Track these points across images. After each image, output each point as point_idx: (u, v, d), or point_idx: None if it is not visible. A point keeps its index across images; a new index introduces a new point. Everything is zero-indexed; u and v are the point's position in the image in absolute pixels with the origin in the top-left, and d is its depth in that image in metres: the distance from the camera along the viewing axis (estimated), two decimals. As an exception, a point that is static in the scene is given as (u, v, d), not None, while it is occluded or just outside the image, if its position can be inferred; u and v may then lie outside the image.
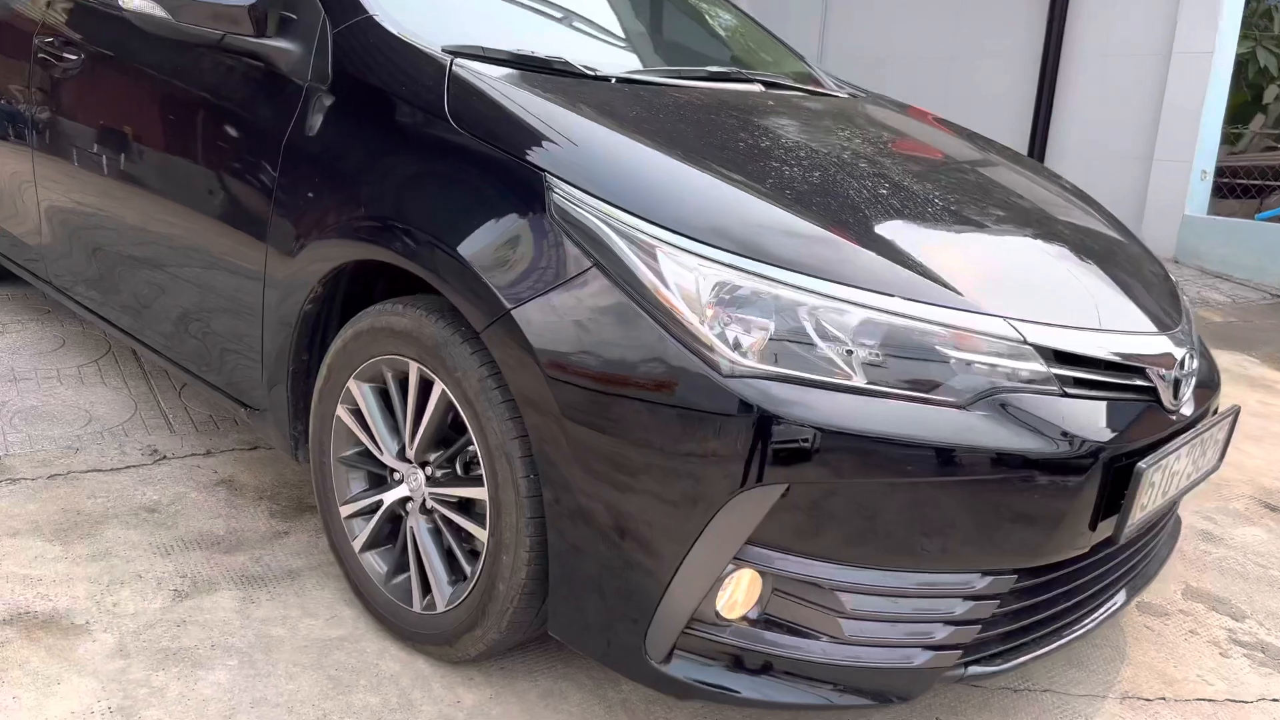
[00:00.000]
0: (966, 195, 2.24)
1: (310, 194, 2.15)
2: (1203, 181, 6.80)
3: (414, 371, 1.99)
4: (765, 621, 1.71)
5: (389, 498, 2.11)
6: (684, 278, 1.65)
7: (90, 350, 3.58)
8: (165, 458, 2.88)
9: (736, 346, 1.60)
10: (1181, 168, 6.73)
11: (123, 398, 3.23)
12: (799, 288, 1.64)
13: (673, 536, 1.64)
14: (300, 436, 2.36)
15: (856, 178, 2.06)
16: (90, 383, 3.32)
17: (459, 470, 2.04)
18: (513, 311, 1.75)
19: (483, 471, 1.89)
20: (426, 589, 2.06)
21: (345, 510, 2.20)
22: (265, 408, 2.41)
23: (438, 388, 1.94)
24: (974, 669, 1.79)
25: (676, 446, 1.61)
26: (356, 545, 2.18)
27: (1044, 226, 2.24)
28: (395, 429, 2.10)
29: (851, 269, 1.70)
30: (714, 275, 1.64)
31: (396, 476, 2.11)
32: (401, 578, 2.15)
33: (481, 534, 1.93)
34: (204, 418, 3.14)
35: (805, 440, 1.57)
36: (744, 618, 1.72)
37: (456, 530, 2.03)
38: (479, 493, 1.92)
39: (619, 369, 1.65)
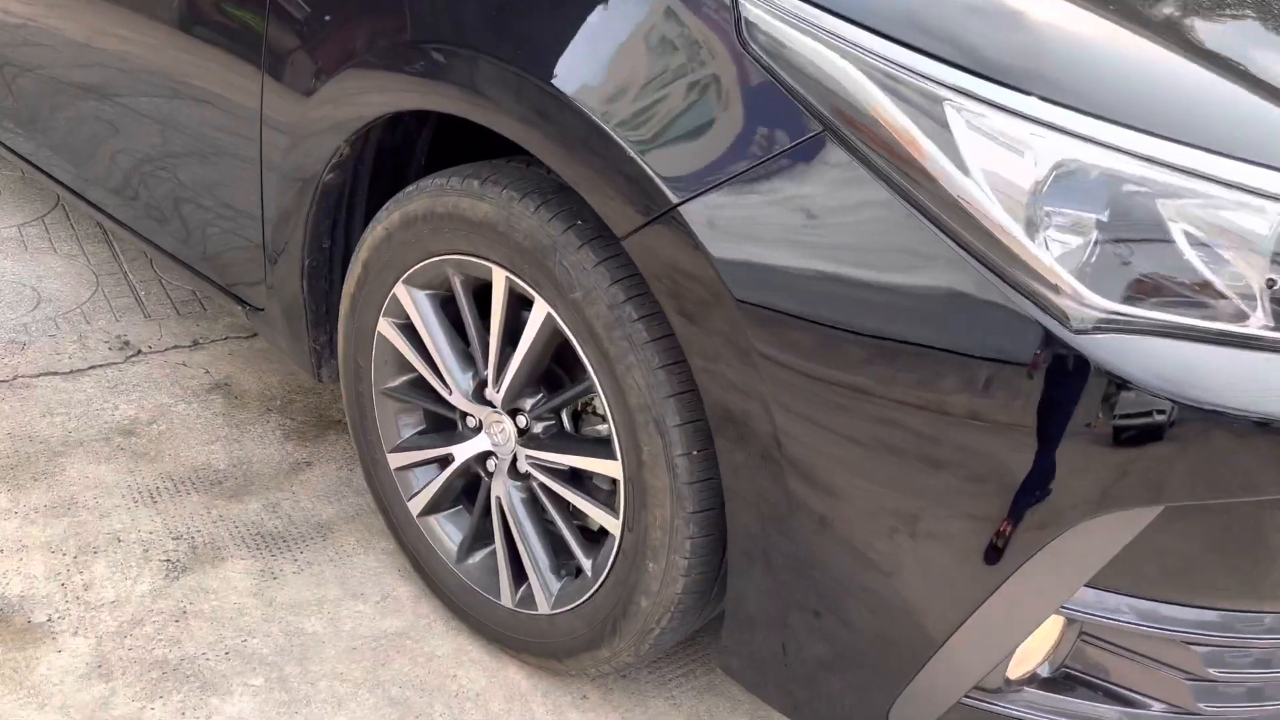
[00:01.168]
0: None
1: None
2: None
3: (500, 280, 1.33)
4: (1066, 681, 1.14)
5: (462, 453, 1.49)
6: (997, 157, 0.97)
7: (33, 203, 2.85)
8: (140, 353, 2.23)
9: (1092, 278, 0.95)
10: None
11: (79, 269, 2.54)
12: (1199, 175, 0.96)
13: (963, 574, 1.03)
14: (324, 351, 1.72)
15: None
16: (36, 248, 2.62)
17: (568, 425, 1.42)
18: (681, 207, 1.07)
19: (614, 438, 1.26)
20: (521, 577, 1.48)
21: (396, 460, 1.59)
22: (271, 308, 1.75)
23: (540, 309, 1.29)
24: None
25: (977, 442, 0.98)
26: (414, 507, 1.58)
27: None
28: (468, 357, 1.46)
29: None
30: (1053, 152, 0.96)
31: (471, 423, 1.48)
32: (481, 555, 1.56)
33: (611, 523, 1.32)
34: (186, 294, 2.47)
35: (1203, 434, 0.95)
36: (1033, 675, 1.14)
37: (566, 507, 1.42)
38: (606, 468, 1.30)
39: (868, 312, 1.00)
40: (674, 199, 1.07)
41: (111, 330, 2.29)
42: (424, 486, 1.57)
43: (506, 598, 1.49)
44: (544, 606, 1.44)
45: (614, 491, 1.37)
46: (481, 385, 1.44)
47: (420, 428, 1.60)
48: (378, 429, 1.60)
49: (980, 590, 1.02)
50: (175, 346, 2.27)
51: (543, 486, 1.42)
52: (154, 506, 1.79)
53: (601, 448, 1.32)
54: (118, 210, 2.08)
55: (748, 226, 1.05)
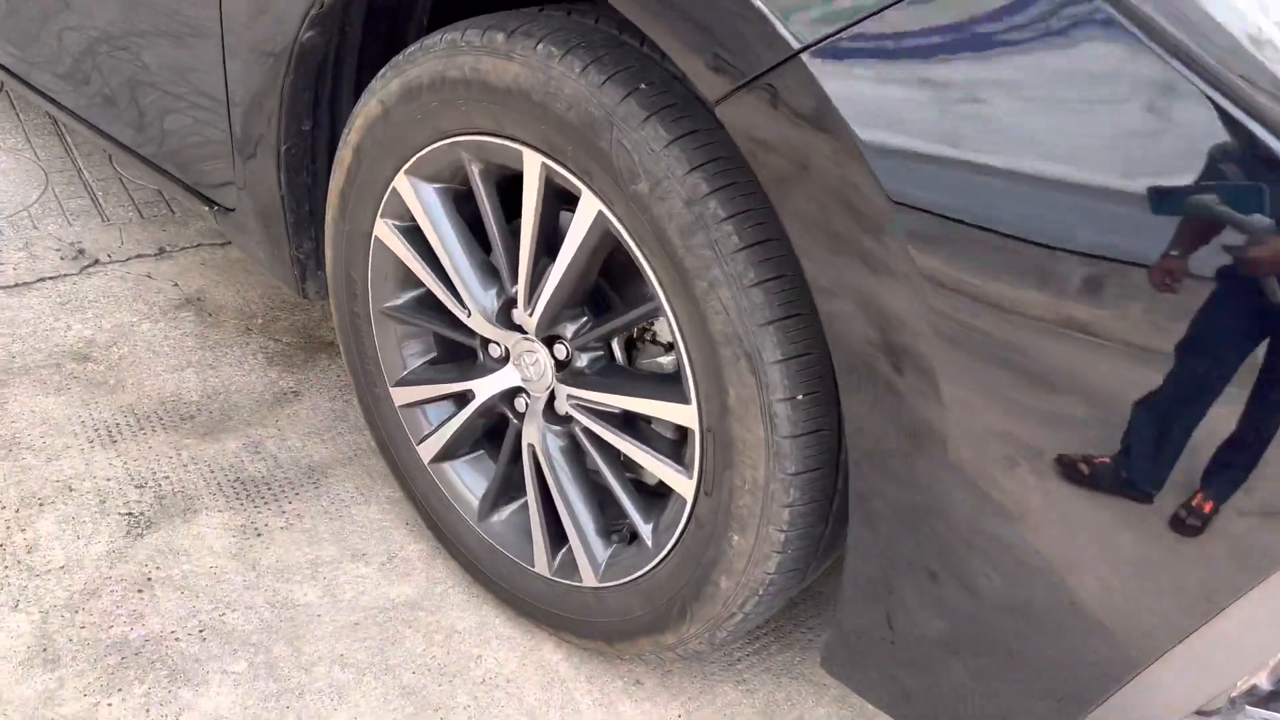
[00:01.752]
0: None
1: None
2: None
3: (534, 168, 1.02)
4: (1294, 695, 0.86)
5: (484, 389, 1.20)
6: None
7: (-22, 87, 2.50)
8: (97, 262, 1.92)
9: None
10: None
11: (25, 165, 2.20)
12: None
13: (1194, 575, 0.74)
14: (309, 261, 1.41)
15: None
16: (-23, 140, 2.28)
17: (620, 357, 1.12)
18: (807, 56, 0.75)
19: (686, 377, 0.97)
20: (560, 540, 1.20)
21: (401, 396, 1.29)
22: (243, 209, 1.43)
23: (588, 207, 0.98)
24: None
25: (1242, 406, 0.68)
26: (425, 453, 1.29)
27: None
28: (490, 270, 1.15)
29: None
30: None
31: (495, 353, 1.18)
32: (509, 511, 1.28)
33: (681, 484, 1.03)
34: (151, 194, 2.15)
35: None
36: (1253, 688, 0.87)
37: (617, 458, 1.13)
38: (675, 414, 1.00)
39: (1098, 225, 0.69)
40: (795, 43, 0.75)
41: (63, 236, 1.97)
42: (436, 428, 1.28)
43: (541, 564, 1.21)
44: (589, 578, 1.16)
45: (682, 443, 1.08)
46: (508, 305, 1.14)
47: (430, 356, 1.30)
48: (378, 358, 1.30)
49: (1226, 597, 0.74)
50: (138, 255, 1.95)
51: (588, 433, 1.13)
52: (113, 447, 1.51)
53: (667, 388, 1.02)
54: (67, 98, 1.74)
55: (912, 94, 0.73)
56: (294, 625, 1.27)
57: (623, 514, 1.14)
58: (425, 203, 1.15)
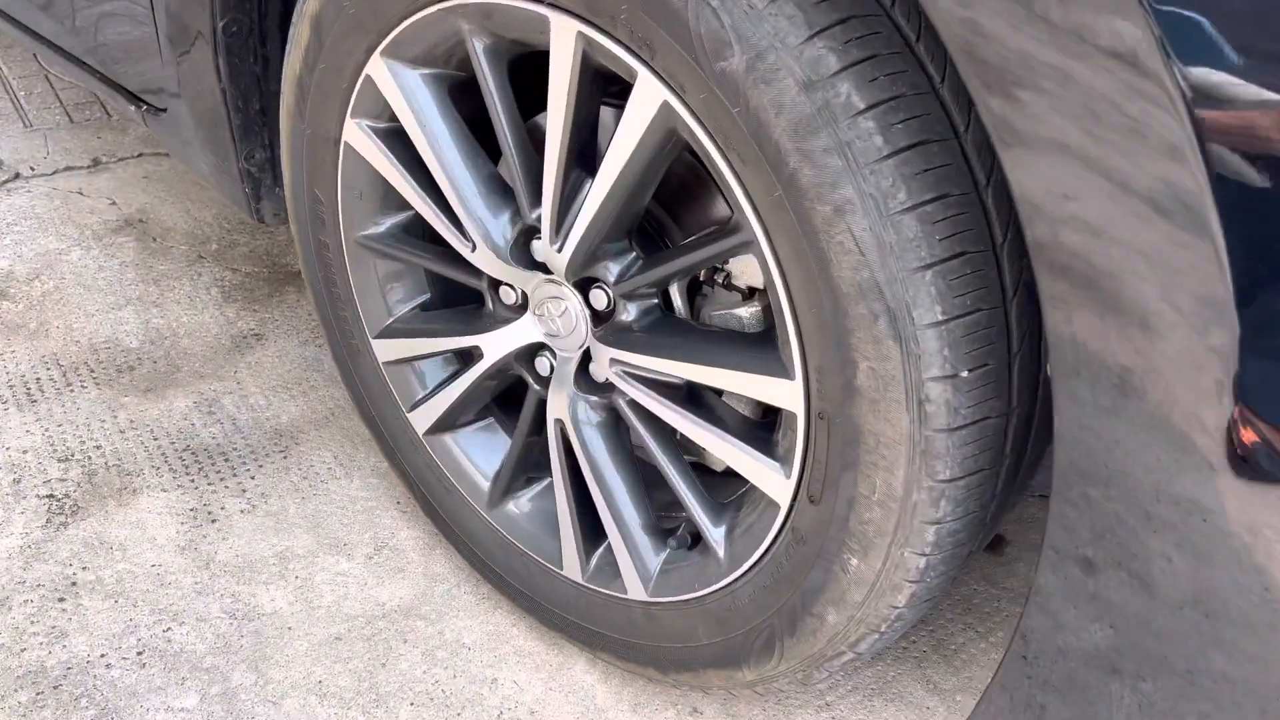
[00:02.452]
0: None
1: None
2: None
3: (565, 41, 0.71)
4: None
5: (495, 345, 0.91)
6: None
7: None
8: (18, 176, 1.61)
9: None
10: None
11: (-65, 59, 1.87)
12: None
13: None
14: (262, 175, 1.10)
15: None
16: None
17: (681, 306, 0.83)
18: None
19: (790, 341, 0.68)
20: (598, 538, 0.92)
21: (385, 350, 1.01)
22: (177, 109, 1.12)
23: (649, 95, 0.68)
24: None
25: None
26: (418, 422, 1.01)
27: None
28: (501, 188, 0.86)
29: None
30: None
31: (509, 298, 0.89)
32: (529, 496, 1.00)
33: (774, 484, 0.75)
34: (84, 96, 1.82)
35: None
36: None
37: (673, 438, 0.85)
38: (771, 391, 0.72)
39: None
40: None
41: (-23, 146, 1.65)
42: (432, 393, 1.00)
43: (573, 566, 0.94)
44: (636, 589, 0.90)
45: (768, 425, 0.80)
46: (526, 235, 0.85)
47: (422, 299, 1.01)
48: (355, 302, 1.01)
49: None
50: (68, 168, 1.64)
51: (635, 407, 0.85)
52: (31, 409, 1.22)
53: (754, 354, 0.74)
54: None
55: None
56: (259, 642, 1.00)
57: (682, 509, 0.86)
58: (410, 95, 0.85)
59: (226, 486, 1.15)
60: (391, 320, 1.01)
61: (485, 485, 1.01)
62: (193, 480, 1.15)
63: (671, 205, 0.81)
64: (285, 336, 1.37)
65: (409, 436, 1.04)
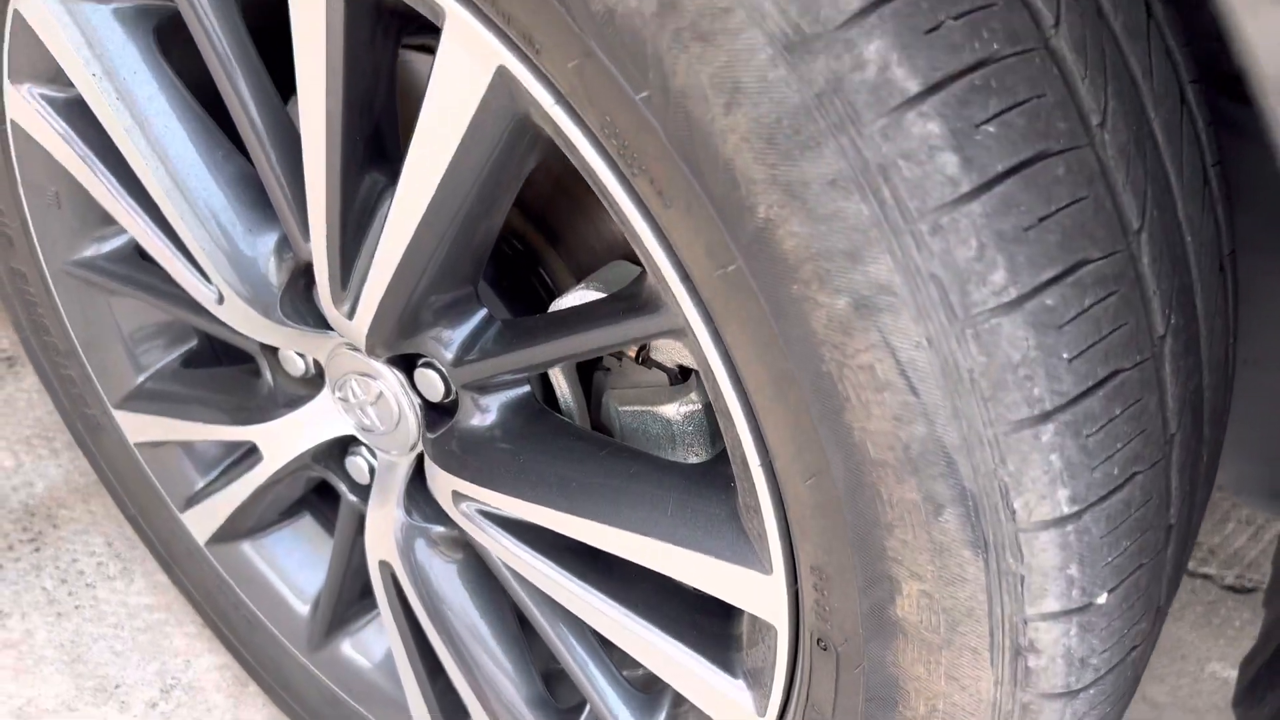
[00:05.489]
0: None
1: None
2: None
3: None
4: None
5: (281, 445, 0.58)
6: None
7: None
8: None
9: None
10: None
11: None
12: None
13: None
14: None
15: None
16: None
17: (567, 397, 0.50)
18: None
19: (756, 504, 0.36)
20: (456, 714, 0.61)
21: (134, 426, 0.66)
22: None
23: (467, 57, 0.34)
24: None
25: None
26: (198, 529, 0.68)
27: None
28: (261, 198, 0.51)
29: None
30: None
31: (297, 369, 0.56)
32: (364, 632, 0.68)
33: (741, 715, 0.44)
34: None
35: None
36: None
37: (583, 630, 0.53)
38: (728, 586, 0.40)
39: None
40: None
41: None
42: (213, 484, 0.66)
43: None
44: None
45: (731, 612, 0.49)
46: (308, 277, 0.51)
47: (186, 348, 0.67)
48: (80, 356, 0.66)
49: None
50: None
51: (502, 560, 0.53)
52: None
53: (690, 506, 0.42)
54: None
55: None
56: None
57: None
58: (95, 44, 0.49)
59: (-54, 604, 0.81)
60: (143, 379, 0.66)
61: (304, 615, 0.69)
62: (-101, 596, 0.81)
63: (554, 216, 0.48)
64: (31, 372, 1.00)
65: (186, 545, 0.71)
